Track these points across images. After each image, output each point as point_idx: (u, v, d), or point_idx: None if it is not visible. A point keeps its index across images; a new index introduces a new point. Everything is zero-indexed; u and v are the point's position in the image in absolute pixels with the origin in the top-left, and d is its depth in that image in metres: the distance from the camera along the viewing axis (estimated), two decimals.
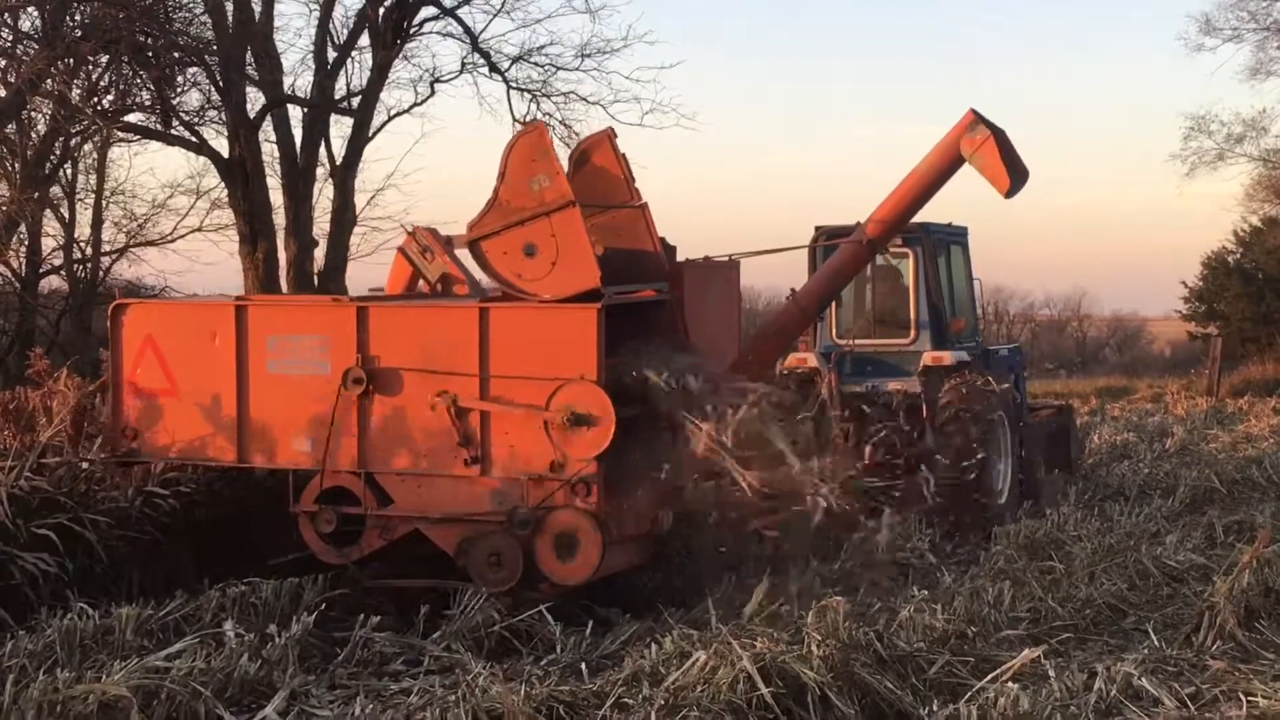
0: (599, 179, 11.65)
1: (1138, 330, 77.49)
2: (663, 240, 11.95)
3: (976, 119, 13.36)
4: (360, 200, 34.23)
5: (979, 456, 15.35)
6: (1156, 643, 9.44)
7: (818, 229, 16.83)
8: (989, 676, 7.97)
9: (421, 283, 12.39)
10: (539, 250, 10.71)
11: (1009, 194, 13.46)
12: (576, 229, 10.72)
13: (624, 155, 11.81)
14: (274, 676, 8.54)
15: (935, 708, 7.57)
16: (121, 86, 30.89)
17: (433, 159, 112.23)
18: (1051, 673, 8.19)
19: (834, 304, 16.37)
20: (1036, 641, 9.33)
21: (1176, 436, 23.59)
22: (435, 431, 10.83)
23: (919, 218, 14.95)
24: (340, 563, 11.11)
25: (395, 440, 10.98)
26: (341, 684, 8.76)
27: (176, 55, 30.76)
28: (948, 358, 16.30)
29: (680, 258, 12.23)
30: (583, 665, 8.83)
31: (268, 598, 10.06)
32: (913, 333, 16.87)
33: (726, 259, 13.11)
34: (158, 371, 11.67)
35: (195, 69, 31.54)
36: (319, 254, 32.80)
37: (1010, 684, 7.61)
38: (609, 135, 11.93)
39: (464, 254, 11.90)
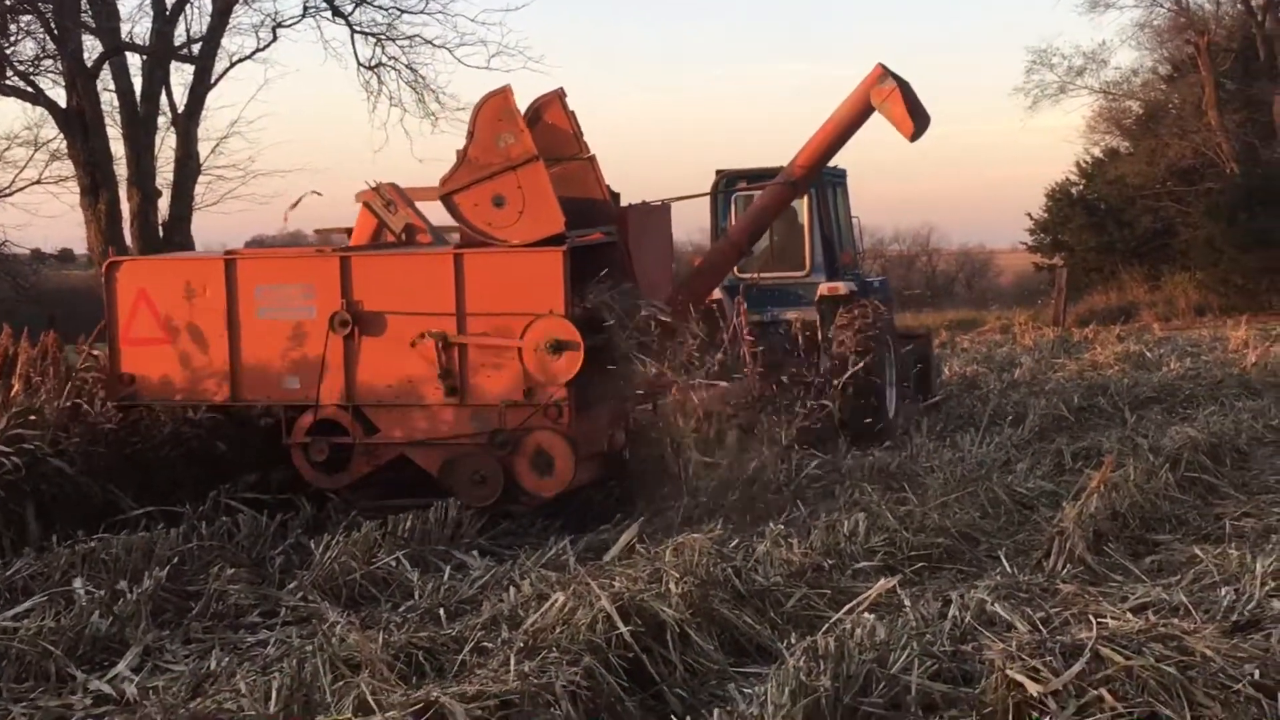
0: (550, 134, 12.68)
1: (985, 263, 78.47)
2: (608, 188, 13.10)
3: (885, 72, 14.74)
4: (204, 149, 33.76)
5: (874, 377, 16.51)
6: (1008, 569, 9.58)
7: (719, 172, 18.70)
8: (845, 608, 8.02)
9: (386, 233, 13.37)
10: (507, 201, 11.94)
11: (913, 138, 14.94)
12: (541, 180, 11.94)
13: (573, 113, 12.92)
14: (126, 633, 8.42)
15: (793, 640, 7.62)
16: None
17: (277, 105, 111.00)
18: (907, 602, 8.27)
19: None
20: (892, 572, 9.44)
21: (1025, 366, 23.99)
22: (417, 366, 11.95)
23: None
24: (332, 488, 12.16)
25: (380, 375, 12.09)
26: (196, 638, 8.65)
27: (8, 3, 30.02)
28: (841, 288, 17.88)
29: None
30: (441, 611, 8.79)
31: (118, 553, 9.87)
32: (807, 265, 18.48)
33: (660, 203, 14.24)
34: (152, 322, 12.61)
35: (29, 17, 30.81)
36: (163, 204, 32.30)
37: (867, 615, 7.65)
38: (559, 95, 12.94)
39: (423, 205, 13.35)
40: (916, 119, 14.79)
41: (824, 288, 17.97)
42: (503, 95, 12.16)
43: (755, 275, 18.10)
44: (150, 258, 13.47)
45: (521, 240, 11.91)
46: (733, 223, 17.83)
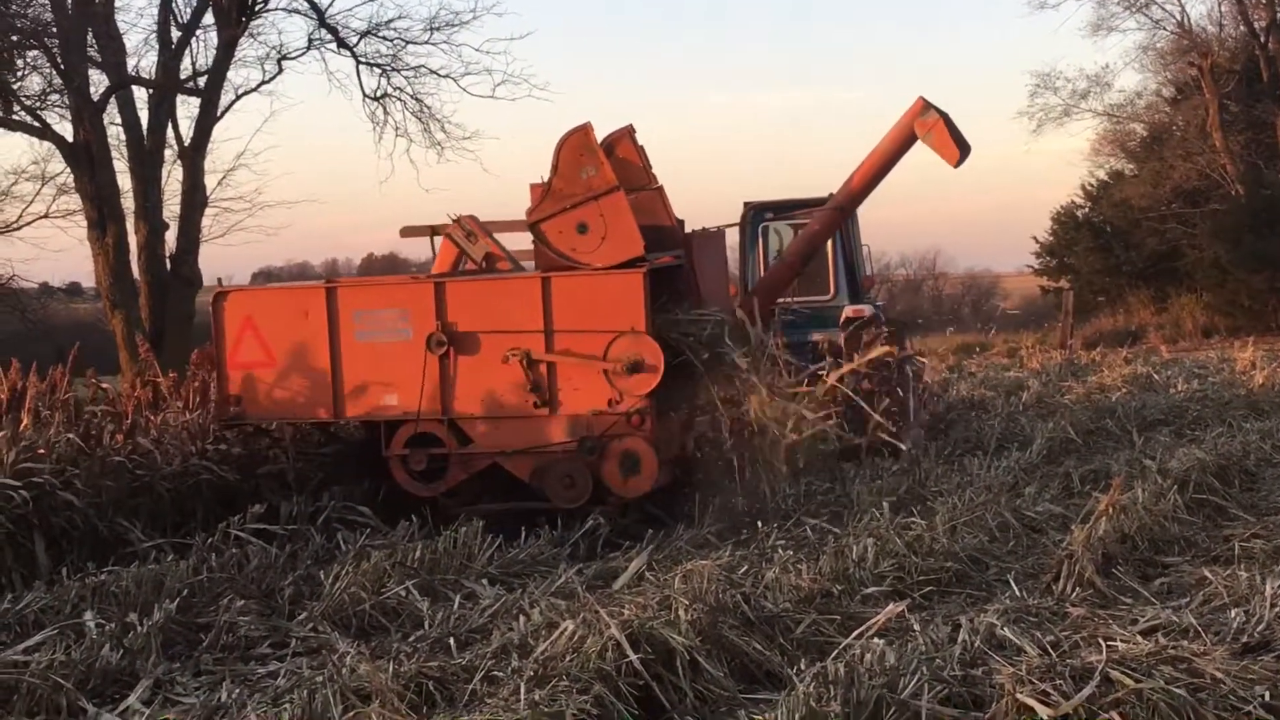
0: (622, 167, 13.50)
1: (991, 287, 78.47)
2: (674, 214, 14.16)
3: (927, 105, 15.70)
4: (211, 181, 33.82)
5: (900, 394, 17.40)
6: (1018, 593, 9.56)
7: (746, 204, 19.92)
8: (855, 633, 8.01)
9: (466, 262, 14.43)
10: (590, 228, 12.93)
11: (957, 165, 15.87)
12: (622, 208, 12.94)
13: (642, 147, 13.90)
14: (137, 665, 8.41)
15: (803, 666, 7.61)
16: None
17: (284, 136, 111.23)
18: (916, 627, 8.27)
19: (764, 266, 19.21)
20: (901, 597, 9.42)
21: (1032, 390, 23.92)
22: (509, 381, 12.95)
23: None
24: (429, 495, 13.17)
25: (474, 390, 13.07)
26: (207, 670, 8.64)
27: (15, 38, 30.13)
28: (866, 310, 18.86)
29: None
30: (451, 640, 8.78)
31: (128, 586, 9.89)
32: (831, 290, 19.52)
33: (716, 229, 15.60)
34: (257, 347, 13.54)
35: (35, 52, 30.92)
36: (170, 237, 32.36)
37: (876, 640, 7.65)
38: (629, 131, 13.88)
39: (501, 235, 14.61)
40: (960, 147, 15.64)
41: (849, 310, 18.78)
42: (584, 131, 13.06)
43: (788, 300, 18.72)
44: (255, 288, 15.57)
45: (604, 263, 12.88)
46: (761, 252, 19.47)
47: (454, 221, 14.35)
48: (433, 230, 15.25)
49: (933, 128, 15.60)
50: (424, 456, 13.19)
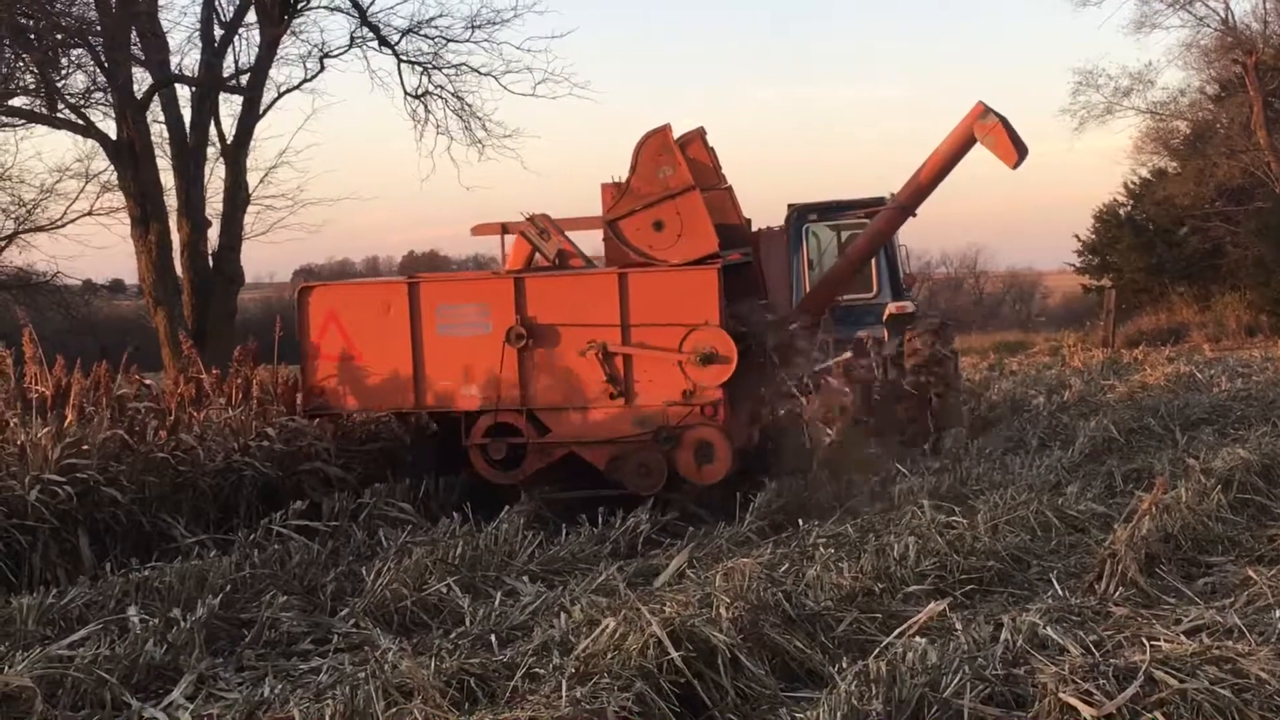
0: (693, 167, 14.02)
1: (1033, 285, 78.16)
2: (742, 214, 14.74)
3: (986, 109, 15.87)
4: (253, 179, 33.94)
5: (951, 385, 18.14)
6: (1060, 592, 9.51)
7: (790, 206, 20.34)
8: (896, 632, 8.00)
9: (538, 258, 14.97)
10: (666, 225, 13.63)
11: (1015, 166, 16.06)
12: (697, 206, 13.65)
13: (713, 148, 14.44)
14: (180, 661, 8.44)
15: (845, 665, 7.58)
16: (4, 70, 30.32)
17: (326, 134, 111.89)
18: (958, 626, 8.24)
19: (808, 267, 19.91)
20: (942, 595, 9.38)
21: (1074, 388, 23.83)
22: (586, 373, 13.49)
23: (873, 191, 18.27)
24: (507, 483, 13.64)
25: (552, 382, 13.63)
26: (250, 665, 8.66)
27: (59, 37, 30.27)
28: (909, 307, 19.61)
29: None
30: (492, 637, 8.79)
31: (172, 581, 9.95)
32: (875, 288, 20.10)
33: (779, 228, 16.77)
34: (341, 340, 14.05)
35: (79, 50, 31.05)
36: (213, 234, 32.48)
37: (918, 639, 7.63)
38: (701, 133, 14.37)
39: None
40: (1018, 149, 15.89)
41: (892, 307, 19.33)
42: (662, 133, 13.71)
43: (842, 298, 18.99)
44: (339, 283, 16.06)
45: (680, 259, 13.54)
46: (805, 253, 19.90)
47: (527, 219, 14.72)
48: (504, 228, 15.81)
49: (991, 131, 15.84)
50: (503, 446, 13.70)
